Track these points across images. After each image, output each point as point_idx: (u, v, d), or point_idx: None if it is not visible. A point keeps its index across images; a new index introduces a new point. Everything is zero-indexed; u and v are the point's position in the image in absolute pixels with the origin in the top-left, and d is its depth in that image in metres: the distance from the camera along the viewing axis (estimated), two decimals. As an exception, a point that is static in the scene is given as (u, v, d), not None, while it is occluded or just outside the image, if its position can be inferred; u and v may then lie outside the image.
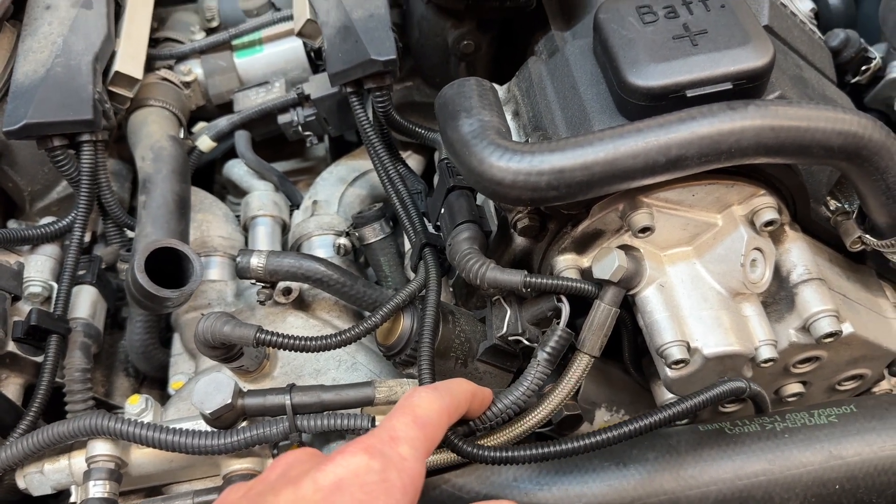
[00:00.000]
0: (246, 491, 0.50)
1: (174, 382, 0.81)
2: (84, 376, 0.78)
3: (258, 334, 0.65)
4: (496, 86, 0.86)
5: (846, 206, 0.73)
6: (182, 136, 0.92)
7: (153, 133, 0.86)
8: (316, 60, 0.99)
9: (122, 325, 0.89)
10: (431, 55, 0.90)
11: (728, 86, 0.63)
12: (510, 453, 0.61)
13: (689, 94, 0.63)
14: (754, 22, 0.67)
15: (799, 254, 0.70)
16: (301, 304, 0.83)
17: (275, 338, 0.65)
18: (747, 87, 0.64)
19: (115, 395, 0.86)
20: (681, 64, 0.64)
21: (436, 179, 0.91)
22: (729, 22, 0.66)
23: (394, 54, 0.78)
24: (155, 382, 0.89)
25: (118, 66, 0.85)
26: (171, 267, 0.74)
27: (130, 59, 0.87)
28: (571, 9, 0.83)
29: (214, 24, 1.10)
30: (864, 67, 0.98)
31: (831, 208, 0.74)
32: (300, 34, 0.88)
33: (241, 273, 0.76)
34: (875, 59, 0.97)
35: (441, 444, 0.55)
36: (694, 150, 0.59)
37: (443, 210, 0.74)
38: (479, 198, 0.77)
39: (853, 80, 0.99)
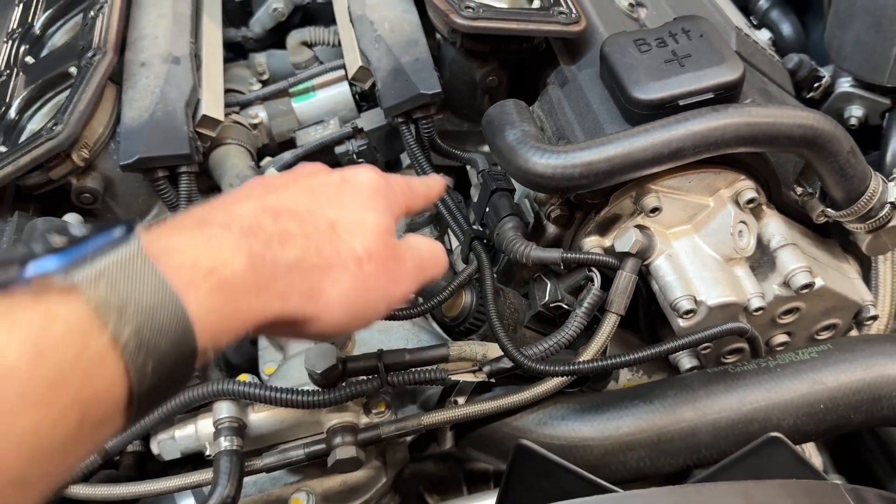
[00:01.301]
0: (257, 186, 0.60)
1: (267, 368, 0.96)
2: (192, 366, 0.93)
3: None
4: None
5: (809, 188, 0.91)
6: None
7: (236, 165, 1.03)
8: (359, 101, 1.17)
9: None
10: (460, 90, 1.08)
11: (710, 95, 0.82)
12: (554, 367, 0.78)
13: (682, 103, 0.82)
14: (727, 46, 0.86)
15: (776, 226, 0.87)
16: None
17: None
18: (725, 96, 0.83)
19: (211, 385, 1.01)
20: (673, 81, 0.82)
21: (473, 193, 1.09)
22: (707, 47, 0.85)
23: (439, 88, 0.97)
24: (242, 372, 1.03)
25: (204, 110, 1.02)
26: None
27: (213, 104, 1.04)
28: (576, 48, 1.02)
29: (265, 76, 1.28)
30: (815, 84, 1.18)
31: (798, 192, 0.92)
32: (353, 79, 1.06)
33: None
34: (825, 77, 1.17)
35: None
36: (690, 143, 0.77)
37: (487, 209, 0.91)
38: (516, 197, 0.94)
39: (808, 96, 1.19)
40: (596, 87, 0.91)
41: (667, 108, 0.82)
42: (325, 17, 1.35)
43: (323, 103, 1.17)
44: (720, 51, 0.84)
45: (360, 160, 1.10)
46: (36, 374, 0.37)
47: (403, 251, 0.62)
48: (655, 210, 0.83)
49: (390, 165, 1.17)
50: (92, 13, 1.06)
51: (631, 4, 1.11)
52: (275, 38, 1.35)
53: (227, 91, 1.18)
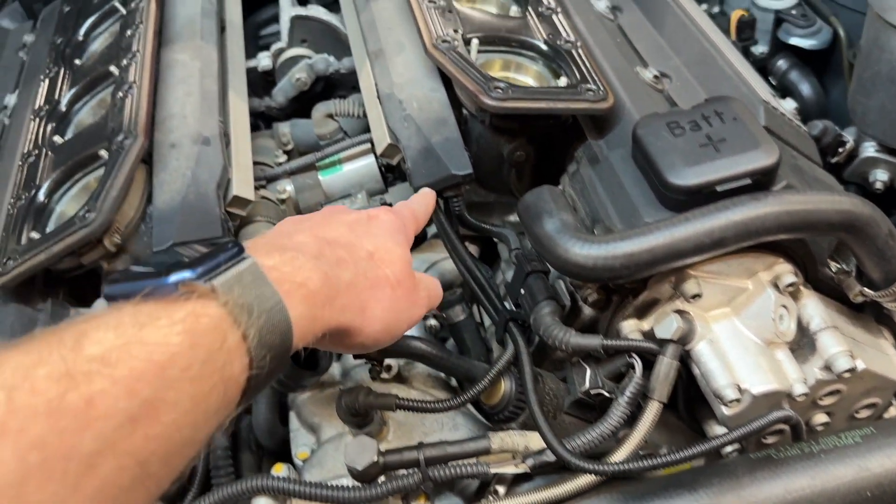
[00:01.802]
0: (298, 221, 0.73)
1: (300, 453, 0.95)
2: (226, 454, 0.92)
3: (397, 400, 0.81)
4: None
5: (844, 266, 0.91)
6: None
7: (266, 243, 1.03)
8: (385, 173, 1.18)
9: (247, 409, 1.04)
10: (488, 164, 1.08)
11: (747, 181, 0.82)
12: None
13: (719, 189, 0.82)
14: (760, 129, 0.86)
15: (814, 307, 0.87)
16: (399, 378, 0.98)
17: (411, 402, 0.81)
18: (762, 181, 0.83)
19: (243, 468, 1.00)
20: (709, 166, 0.82)
21: (504, 268, 1.08)
22: (741, 131, 0.85)
23: (470, 169, 0.97)
24: (273, 455, 1.02)
25: (235, 190, 1.02)
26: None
27: (243, 183, 1.04)
28: (603, 122, 1.03)
29: (290, 147, 1.29)
30: (840, 150, 1.18)
31: (833, 270, 0.92)
32: (382, 155, 1.07)
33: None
34: (848, 142, 1.18)
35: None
36: (731, 233, 0.77)
37: (523, 291, 0.91)
38: (551, 278, 0.94)
39: (833, 161, 1.19)
40: (628, 168, 0.91)
41: (704, 195, 0.82)
42: (346, 85, 1.37)
43: (350, 177, 1.17)
44: (755, 134, 0.85)
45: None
46: (193, 357, 0.46)
47: (418, 282, 0.75)
48: (696, 296, 0.82)
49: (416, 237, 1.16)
50: (120, 93, 1.07)
51: (656, 77, 1.12)
52: (297, 106, 1.36)
53: (254, 164, 1.19)
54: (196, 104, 1.09)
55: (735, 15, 1.36)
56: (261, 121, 1.38)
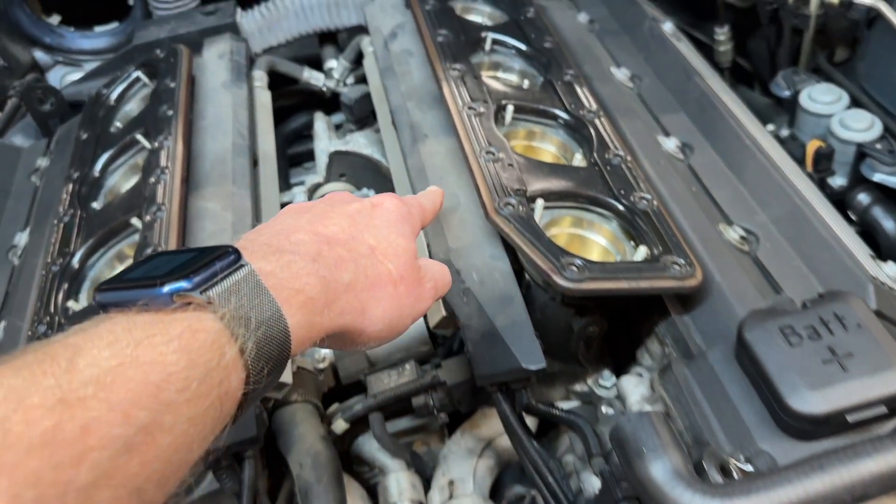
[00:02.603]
0: (298, 214, 0.68)
1: None
2: None
3: None
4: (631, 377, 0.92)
5: None
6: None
7: (305, 435, 0.90)
8: (437, 338, 1.06)
9: None
10: (554, 335, 0.96)
11: (882, 409, 0.70)
12: None
13: (850, 419, 0.69)
14: (889, 339, 0.74)
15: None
16: None
17: None
18: (899, 407, 0.70)
19: None
20: (837, 390, 0.70)
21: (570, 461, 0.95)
22: (868, 343, 0.73)
23: (543, 363, 0.85)
24: None
25: (271, 374, 0.90)
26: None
27: (280, 364, 0.92)
28: (689, 297, 0.91)
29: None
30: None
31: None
32: (435, 327, 0.95)
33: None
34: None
35: None
36: (876, 487, 0.64)
37: (609, 517, 0.78)
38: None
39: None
40: (733, 373, 0.78)
41: (831, 425, 0.69)
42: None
43: (396, 340, 1.04)
44: (884, 348, 0.72)
45: (441, 415, 0.98)
46: (190, 377, 0.44)
47: (424, 273, 0.72)
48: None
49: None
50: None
51: (743, 237, 1.00)
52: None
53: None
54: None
55: (812, 146, 1.24)
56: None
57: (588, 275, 0.85)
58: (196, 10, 1.54)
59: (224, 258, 0.52)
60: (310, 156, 1.68)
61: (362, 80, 1.62)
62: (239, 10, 1.50)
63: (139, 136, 1.19)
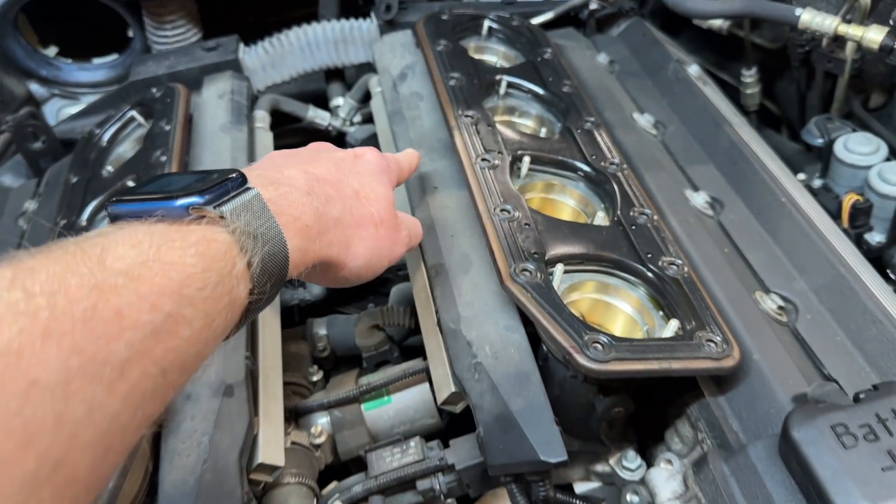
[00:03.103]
0: (287, 156, 0.74)
1: None
2: None
3: None
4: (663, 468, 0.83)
5: None
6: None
7: (298, 524, 0.82)
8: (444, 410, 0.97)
9: None
10: (573, 412, 0.88)
11: (956, 528, 0.61)
12: None
13: (919, 540, 0.60)
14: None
15: None
16: None
17: None
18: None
19: None
20: (902, 505, 0.61)
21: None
22: (938, 446, 0.64)
23: (564, 455, 0.76)
24: None
25: (262, 456, 0.82)
26: None
27: (272, 444, 0.84)
28: (723, 378, 0.83)
29: (326, 353, 1.09)
30: None
31: None
32: (444, 403, 0.87)
33: None
34: None
35: None
36: None
37: None
38: None
39: None
40: (777, 473, 0.70)
41: (897, 545, 0.60)
42: (394, 279, 1.18)
43: (399, 410, 0.97)
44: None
45: (449, 501, 0.89)
46: (207, 280, 0.49)
47: (400, 222, 0.79)
48: None
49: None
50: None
51: (780, 307, 0.91)
52: (335, 299, 1.16)
53: (284, 383, 0.98)
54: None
55: (848, 200, 1.16)
56: (295, 318, 1.18)
57: (614, 355, 0.76)
58: (197, 44, 1.47)
59: (234, 180, 0.57)
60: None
61: (369, 118, 1.55)
62: (242, 45, 1.43)
63: (130, 183, 1.12)
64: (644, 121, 1.21)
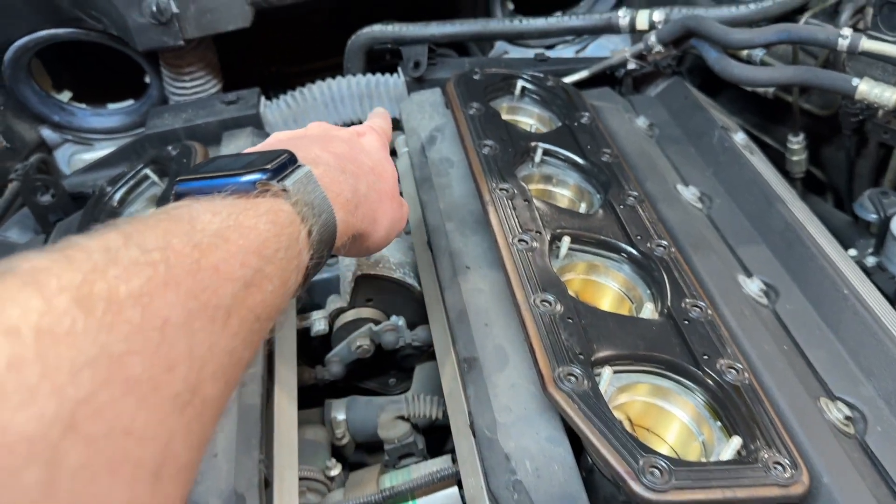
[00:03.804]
0: (300, 138, 0.77)
1: None
2: None
3: None
4: None
5: None
6: None
7: None
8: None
9: None
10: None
11: None
12: None
13: None
14: None
15: None
16: None
17: None
18: None
19: None
20: None
21: None
22: None
23: None
24: None
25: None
26: None
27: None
28: (790, 501, 0.74)
29: (344, 440, 1.01)
30: None
31: None
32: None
33: None
34: None
35: None
36: None
37: None
38: None
39: None
40: None
41: None
42: (420, 355, 1.10)
43: (427, 518, 0.88)
44: None
45: None
46: (279, 244, 0.55)
47: (402, 197, 0.84)
48: None
49: None
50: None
51: (847, 417, 0.83)
52: (354, 367, 1.09)
53: (299, 479, 0.90)
54: (230, 439, 0.81)
55: (910, 284, 1.08)
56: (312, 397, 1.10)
57: (674, 483, 0.68)
58: (216, 97, 1.41)
59: (290, 158, 0.63)
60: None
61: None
62: (262, 99, 1.37)
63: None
64: (689, 193, 1.14)
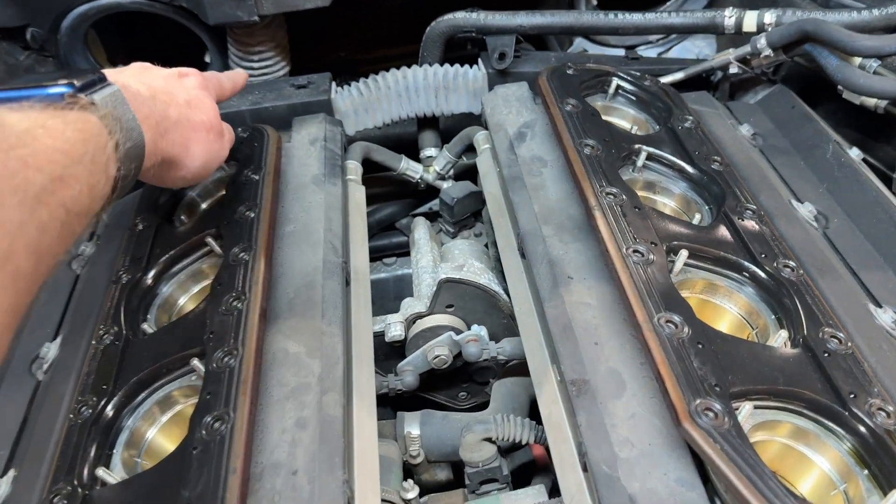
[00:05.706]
0: (118, 73, 0.78)
1: None
2: None
3: None
4: None
5: None
6: None
7: None
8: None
9: None
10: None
11: None
12: None
13: None
14: None
15: None
16: None
17: None
18: None
19: None
20: None
21: None
22: None
23: None
24: None
25: None
26: None
27: None
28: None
29: (419, 459, 0.92)
30: None
31: None
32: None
33: None
34: None
35: None
36: None
37: None
38: None
39: None
40: None
41: None
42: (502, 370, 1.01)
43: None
44: None
45: None
46: (86, 150, 0.58)
47: (225, 129, 0.89)
48: None
49: None
50: (207, 427, 0.72)
51: None
52: (424, 385, 1.00)
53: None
54: (311, 448, 0.73)
55: None
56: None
57: (839, 545, 0.58)
58: (284, 80, 1.33)
59: (98, 75, 0.66)
60: (390, 249, 1.45)
61: (464, 173, 1.39)
62: (333, 84, 1.29)
63: (209, 240, 0.96)
64: (805, 211, 1.04)
